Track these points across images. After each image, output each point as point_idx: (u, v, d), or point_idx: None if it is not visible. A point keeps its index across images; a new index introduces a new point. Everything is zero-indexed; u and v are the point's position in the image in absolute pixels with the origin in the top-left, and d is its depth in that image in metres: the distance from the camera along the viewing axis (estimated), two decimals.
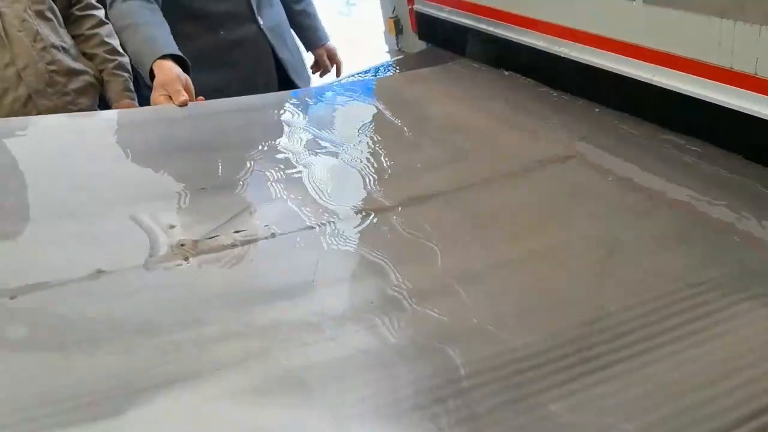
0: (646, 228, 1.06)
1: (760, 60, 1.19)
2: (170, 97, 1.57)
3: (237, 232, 1.11)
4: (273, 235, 1.11)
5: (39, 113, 1.66)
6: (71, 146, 1.45)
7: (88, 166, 1.35)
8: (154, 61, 1.60)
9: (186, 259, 1.05)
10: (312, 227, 1.13)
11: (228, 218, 1.15)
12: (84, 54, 1.83)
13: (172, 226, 1.12)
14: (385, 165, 1.35)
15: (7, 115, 1.61)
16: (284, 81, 2.12)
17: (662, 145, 1.34)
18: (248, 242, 1.09)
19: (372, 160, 1.38)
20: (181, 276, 1.02)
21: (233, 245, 1.08)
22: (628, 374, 0.75)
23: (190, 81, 1.63)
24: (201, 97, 1.64)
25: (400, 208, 1.18)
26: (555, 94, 1.67)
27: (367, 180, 1.29)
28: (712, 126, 1.32)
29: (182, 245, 1.08)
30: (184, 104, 1.56)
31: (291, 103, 1.74)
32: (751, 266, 0.95)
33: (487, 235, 1.10)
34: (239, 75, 2.02)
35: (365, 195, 1.24)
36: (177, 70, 1.61)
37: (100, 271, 1.01)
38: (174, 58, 1.64)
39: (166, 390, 0.79)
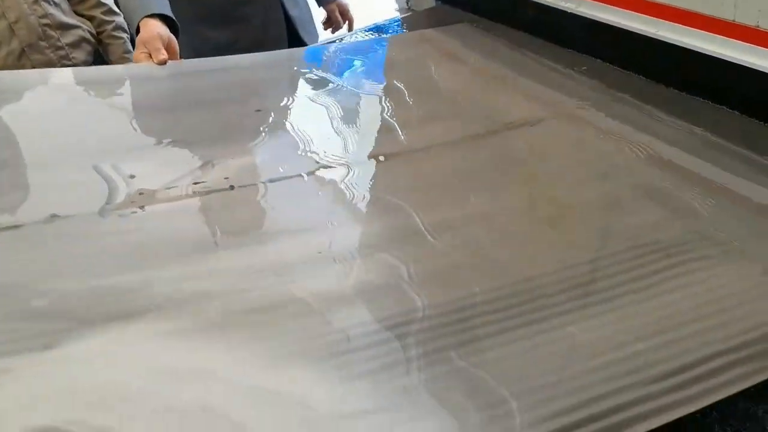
0: (640, 182, 1.10)
1: (762, 13, 1.15)
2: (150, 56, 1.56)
3: (196, 183, 1.11)
4: (232, 188, 1.10)
5: (33, 67, 1.67)
6: (47, 100, 1.46)
7: (59, 120, 1.36)
8: (141, 19, 1.59)
9: (142, 207, 1.05)
10: (303, 174, 1.15)
11: (190, 169, 1.14)
12: (81, 15, 1.82)
13: (132, 176, 1.12)
14: (393, 116, 1.38)
15: (1, 69, 1.63)
16: (293, 37, 2.10)
17: (665, 102, 1.34)
18: (207, 193, 1.08)
19: (379, 111, 1.41)
20: (135, 222, 1.02)
21: (194, 194, 1.08)
22: (630, 306, 0.83)
23: (174, 40, 1.61)
24: (180, 59, 1.62)
25: (411, 154, 1.22)
26: (559, 52, 1.62)
27: (380, 130, 1.33)
28: (713, 80, 1.29)
29: (141, 194, 1.08)
30: (162, 63, 1.55)
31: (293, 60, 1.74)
32: (733, 220, 0.99)
33: (497, 181, 1.15)
34: (249, 31, 2.00)
35: (377, 142, 1.28)
36: (161, 29, 1.59)
37: (54, 216, 1.02)
38: (163, 18, 1.62)
39: (103, 327, 0.80)
